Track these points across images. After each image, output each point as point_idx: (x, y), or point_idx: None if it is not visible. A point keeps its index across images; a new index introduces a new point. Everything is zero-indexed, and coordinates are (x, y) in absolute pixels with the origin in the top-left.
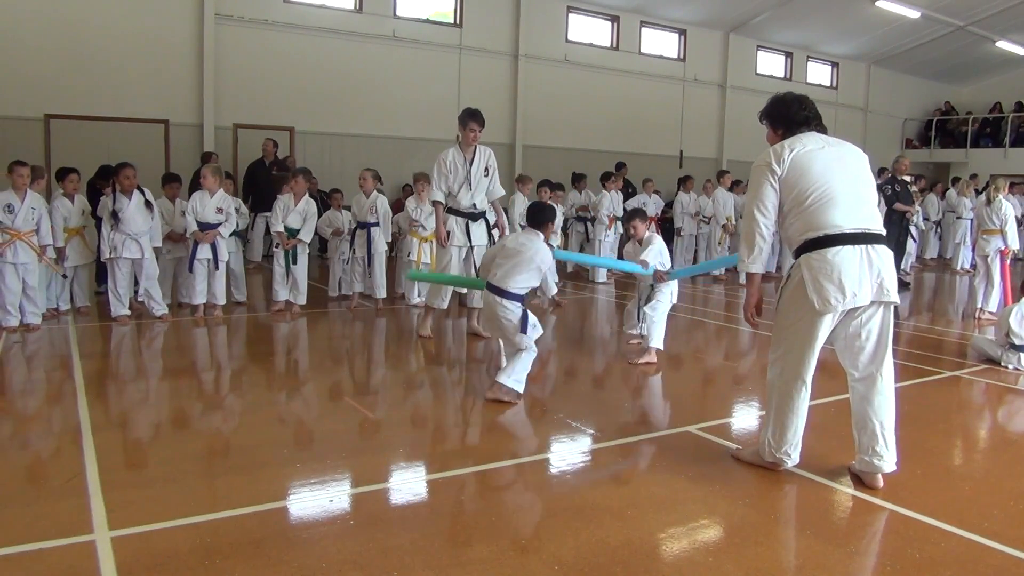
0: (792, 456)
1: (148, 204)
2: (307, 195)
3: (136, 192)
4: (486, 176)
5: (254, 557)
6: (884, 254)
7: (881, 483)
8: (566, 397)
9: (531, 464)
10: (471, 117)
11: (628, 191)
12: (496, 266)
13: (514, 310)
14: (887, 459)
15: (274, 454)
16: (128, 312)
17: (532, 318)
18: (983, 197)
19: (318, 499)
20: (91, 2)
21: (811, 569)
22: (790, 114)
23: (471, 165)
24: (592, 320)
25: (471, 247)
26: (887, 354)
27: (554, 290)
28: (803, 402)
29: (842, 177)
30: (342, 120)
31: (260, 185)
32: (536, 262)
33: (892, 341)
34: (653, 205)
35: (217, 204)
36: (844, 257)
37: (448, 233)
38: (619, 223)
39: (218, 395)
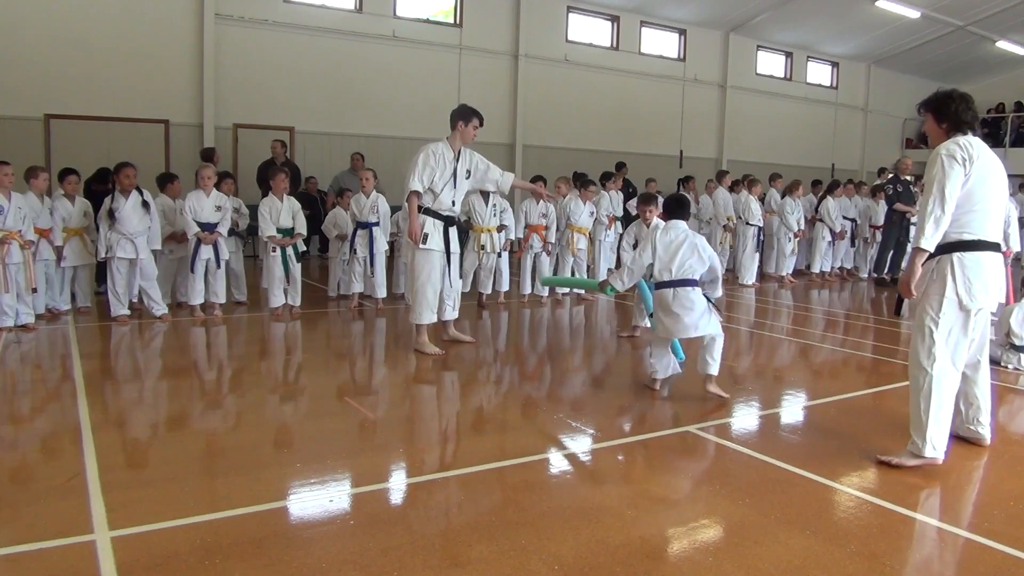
0: (945, 448)
1: (145, 204)
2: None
3: (134, 192)
4: (467, 179)
5: (254, 557)
6: (1005, 263)
7: (988, 442)
8: (566, 397)
9: (531, 464)
10: (475, 113)
11: (628, 191)
12: (661, 264)
13: (698, 295)
14: (987, 427)
15: (274, 454)
16: (128, 312)
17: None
18: None
19: (318, 499)
20: (91, 2)
21: (811, 569)
22: (958, 113)
23: (457, 163)
24: (592, 320)
25: (449, 253)
26: (986, 344)
27: (719, 292)
28: (955, 390)
29: (998, 192)
30: (342, 120)
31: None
32: (697, 245)
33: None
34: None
35: (215, 203)
36: (991, 262)
37: (426, 236)
38: (619, 223)
39: (218, 395)
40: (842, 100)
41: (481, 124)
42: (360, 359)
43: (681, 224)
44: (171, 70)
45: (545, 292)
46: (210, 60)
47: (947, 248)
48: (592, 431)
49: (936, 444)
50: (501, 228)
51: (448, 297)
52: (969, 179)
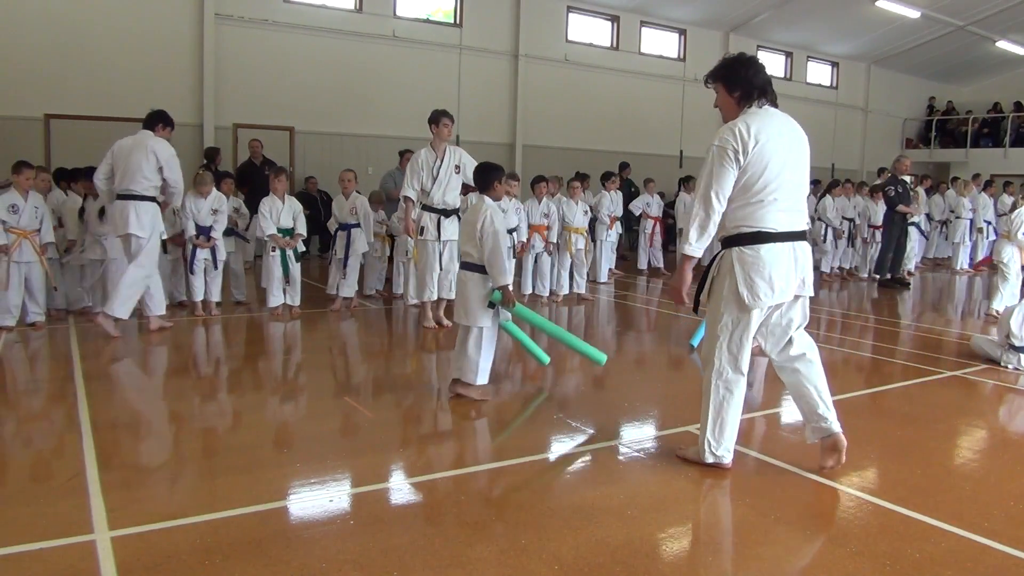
0: (730, 453)
1: (102, 211)
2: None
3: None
4: (457, 174)
5: (254, 557)
6: (806, 251)
7: (845, 442)
8: (566, 397)
9: (531, 464)
10: (442, 114)
11: (631, 191)
12: (459, 243)
13: (476, 281)
14: (831, 419)
15: (274, 454)
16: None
17: (498, 300)
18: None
19: (318, 499)
20: (91, 2)
21: (811, 569)
22: (748, 78)
23: (440, 163)
24: (593, 320)
25: (443, 242)
26: (804, 336)
27: (506, 279)
28: (742, 397)
29: (791, 175)
30: (342, 120)
31: (256, 184)
32: (480, 226)
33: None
34: (656, 205)
35: (212, 206)
36: (776, 254)
37: (423, 228)
38: (619, 223)
39: (218, 395)
40: (842, 100)
41: (451, 120)
42: (359, 358)
43: (484, 200)
44: (171, 70)
45: (546, 292)
46: (210, 60)
47: (727, 243)
48: (592, 431)
49: (714, 449)
50: None
51: (445, 278)
52: (747, 168)
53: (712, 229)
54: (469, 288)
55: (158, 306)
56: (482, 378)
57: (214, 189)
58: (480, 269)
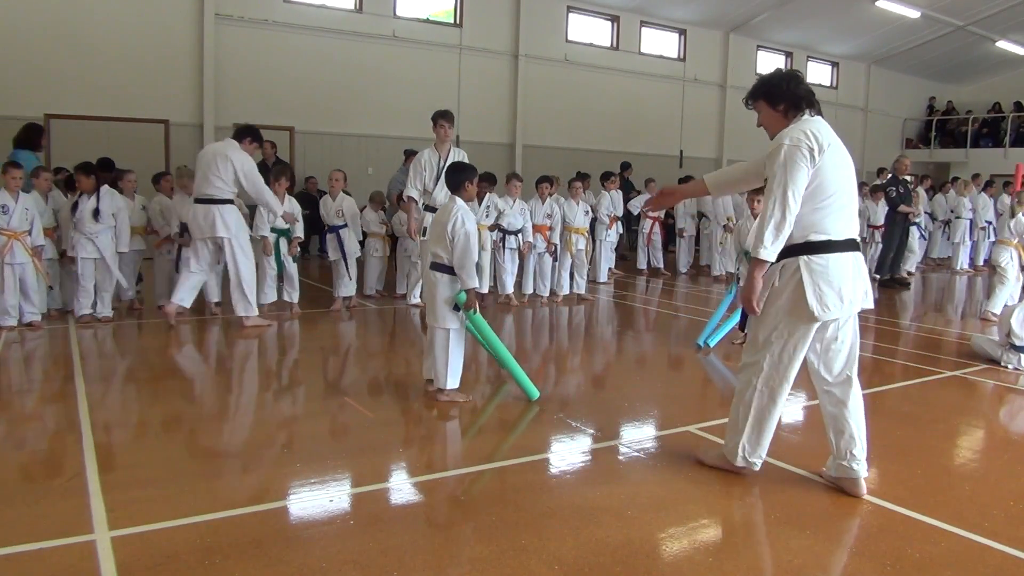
0: (761, 460)
1: (96, 212)
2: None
3: (94, 196)
4: None
5: (254, 557)
6: (863, 261)
7: (864, 490)
8: (566, 397)
9: (531, 464)
10: (441, 116)
11: (635, 192)
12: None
13: (445, 283)
14: (861, 459)
15: (274, 454)
16: (91, 312)
17: (464, 302)
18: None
19: (318, 499)
20: (91, 2)
21: (811, 569)
22: (792, 90)
23: (444, 163)
24: (593, 320)
25: None
26: (856, 357)
27: (474, 283)
28: (783, 406)
29: (851, 183)
30: (342, 120)
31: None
32: (449, 227)
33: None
34: None
35: None
36: (843, 264)
37: (426, 229)
38: (619, 223)
39: (218, 394)
40: (842, 100)
41: (448, 122)
42: (359, 358)
43: (455, 200)
44: (171, 70)
45: (546, 292)
46: (210, 60)
47: (794, 251)
48: (592, 431)
49: (748, 455)
50: (494, 228)
51: None
52: (819, 172)
53: (788, 231)
54: (438, 289)
55: (185, 297)
56: (453, 381)
57: None
58: (449, 270)
